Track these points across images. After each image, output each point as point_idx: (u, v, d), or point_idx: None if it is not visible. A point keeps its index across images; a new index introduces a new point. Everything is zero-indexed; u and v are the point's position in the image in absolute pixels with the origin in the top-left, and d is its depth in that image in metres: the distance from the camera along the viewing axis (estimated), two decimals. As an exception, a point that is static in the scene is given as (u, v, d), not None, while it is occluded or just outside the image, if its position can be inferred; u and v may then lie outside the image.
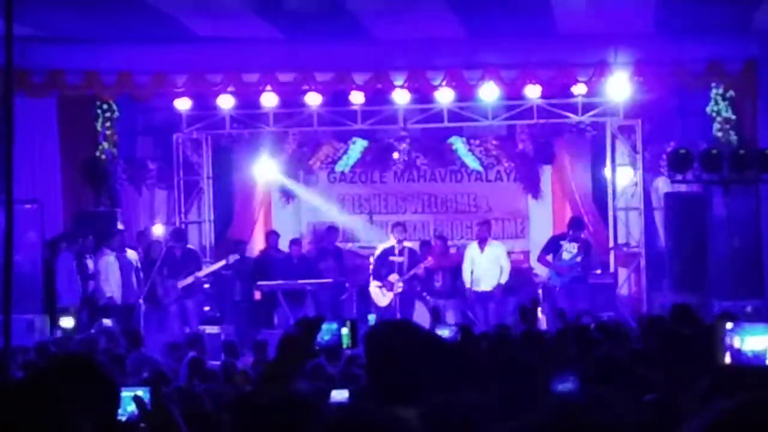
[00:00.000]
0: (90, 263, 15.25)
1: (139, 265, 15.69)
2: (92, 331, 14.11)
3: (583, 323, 10.00)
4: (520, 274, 16.63)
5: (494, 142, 17.60)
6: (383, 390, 3.53)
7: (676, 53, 15.50)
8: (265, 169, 17.62)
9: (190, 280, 15.74)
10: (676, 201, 15.96)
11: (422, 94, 16.51)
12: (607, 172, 17.07)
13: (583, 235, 16.09)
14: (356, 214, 17.95)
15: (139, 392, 3.82)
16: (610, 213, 17.05)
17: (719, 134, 16.22)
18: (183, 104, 16.84)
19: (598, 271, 16.34)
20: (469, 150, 17.54)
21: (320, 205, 17.85)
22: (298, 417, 3.24)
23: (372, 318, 14.66)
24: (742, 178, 14.91)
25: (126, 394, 3.74)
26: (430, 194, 17.95)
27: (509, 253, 16.55)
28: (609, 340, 7.34)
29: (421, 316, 15.69)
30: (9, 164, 5.26)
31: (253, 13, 13.86)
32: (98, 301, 15.16)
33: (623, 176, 17.10)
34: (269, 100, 16.35)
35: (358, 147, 17.61)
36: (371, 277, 16.23)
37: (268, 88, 16.20)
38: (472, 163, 17.59)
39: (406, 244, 16.31)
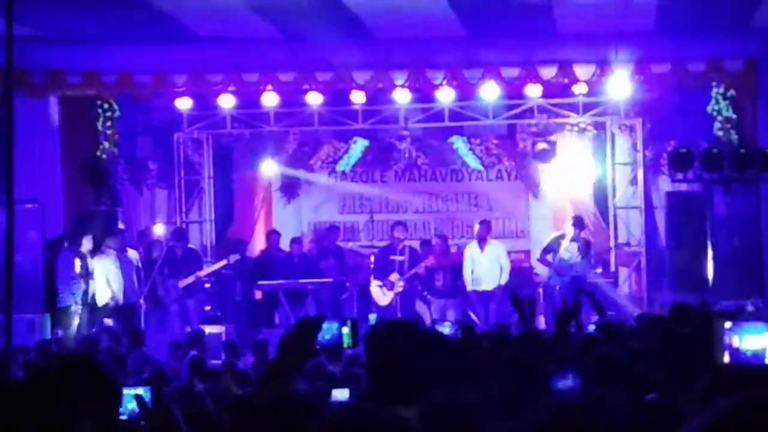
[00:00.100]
0: (90, 263, 15.25)
1: (139, 264, 15.69)
2: (93, 330, 14.14)
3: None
4: (520, 274, 16.63)
5: (495, 141, 17.61)
6: (384, 389, 3.54)
7: (676, 52, 15.50)
8: (266, 169, 17.63)
9: (190, 279, 15.74)
10: (676, 200, 15.96)
11: (423, 94, 16.51)
12: (608, 171, 17.08)
13: (583, 235, 16.09)
14: (357, 214, 17.95)
15: (140, 391, 3.83)
16: (611, 212, 17.06)
17: (720, 133, 16.23)
18: (184, 104, 16.85)
19: (599, 270, 16.34)
20: (470, 149, 17.54)
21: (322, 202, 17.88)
22: (299, 417, 3.24)
23: (373, 317, 14.66)
24: (743, 177, 14.91)
25: (127, 393, 3.75)
26: (431, 193, 17.95)
27: (509, 253, 16.55)
28: (609, 340, 7.33)
29: (421, 315, 15.71)
30: (9, 164, 5.26)
31: (253, 13, 13.85)
32: (99, 301, 15.16)
33: (624, 175, 17.10)
34: (270, 99, 16.35)
35: (359, 146, 17.61)
36: (372, 277, 16.24)
37: (269, 87, 16.20)
38: (473, 162, 17.59)
39: (407, 243, 16.33)
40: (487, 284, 15.85)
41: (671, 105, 16.92)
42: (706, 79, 15.81)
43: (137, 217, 17.76)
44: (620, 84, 15.68)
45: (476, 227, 16.48)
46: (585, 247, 15.88)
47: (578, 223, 16.14)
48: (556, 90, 16.26)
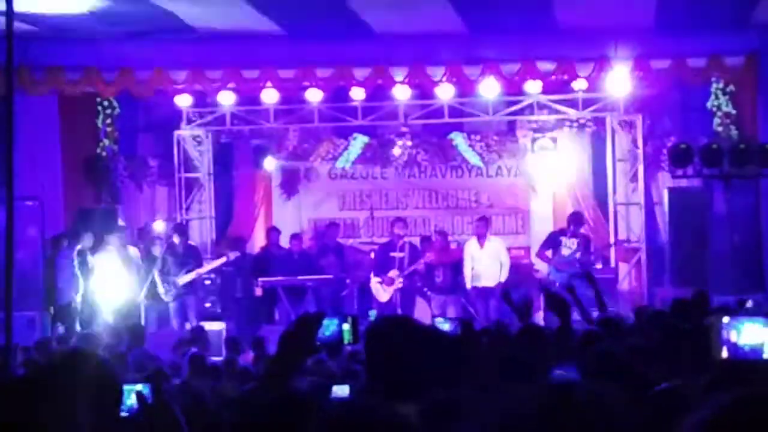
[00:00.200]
0: (91, 260, 15.25)
1: (140, 261, 15.69)
2: (93, 327, 14.13)
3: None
4: (521, 270, 16.63)
5: (495, 137, 17.61)
6: (383, 386, 3.54)
7: (676, 48, 15.50)
8: (266, 165, 17.63)
9: (191, 276, 15.74)
10: (676, 196, 15.96)
11: (423, 90, 16.51)
12: (608, 167, 17.08)
13: (582, 231, 16.09)
14: (357, 210, 17.96)
15: (139, 387, 3.84)
16: (611, 208, 17.06)
17: (720, 129, 16.23)
18: (183, 101, 16.85)
19: (599, 266, 16.35)
20: (470, 145, 17.54)
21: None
22: (299, 414, 3.25)
23: (373, 314, 14.68)
24: (743, 173, 14.92)
25: (128, 389, 3.75)
26: (431, 190, 17.96)
27: (509, 249, 16.56)
28: (609, 336, 7.34)
29: (422, 312, 15.72)
30: (10, 161, 5.27)
31: (253, 9, 13.85)
32: (99, 298, 15.16)
33: (623, 171, 17.10)
34: (270, 96, 16.36)
35: (358, 143, 17.61)
36: (372, 273, 16.25)
37: (269, 84, 16.21)
38: (473, 158, 17.59)
39: (407, 239, 16.33)
40: (488, 281, 15.85)
41: (671, 101, 16.92)
42: (705, 75, 15.81)
43: (137, 215, 17.77)
44: (620, 80, 15.68)
45: (474, 224, 16.51)
46: (584, 243, 15.88)
47: (577, 219, 16.14)
48: (556, 86, 16.27)
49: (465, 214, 17.74)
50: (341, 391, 6.28)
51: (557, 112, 16.80)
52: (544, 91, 16.22)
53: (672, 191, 16.09)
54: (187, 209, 17.78)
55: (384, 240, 16.93)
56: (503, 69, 15.79)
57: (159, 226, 17.06)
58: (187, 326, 14.65)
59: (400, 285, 15.98)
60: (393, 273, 15.97)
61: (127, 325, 13.35)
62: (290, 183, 18.04)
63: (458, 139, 17.50)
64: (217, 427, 4.59)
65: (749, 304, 13.45)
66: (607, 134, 17.06)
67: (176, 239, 15.89)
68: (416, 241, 16.67)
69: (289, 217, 17.97)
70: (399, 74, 15.98)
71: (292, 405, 3.33)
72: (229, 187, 18.32)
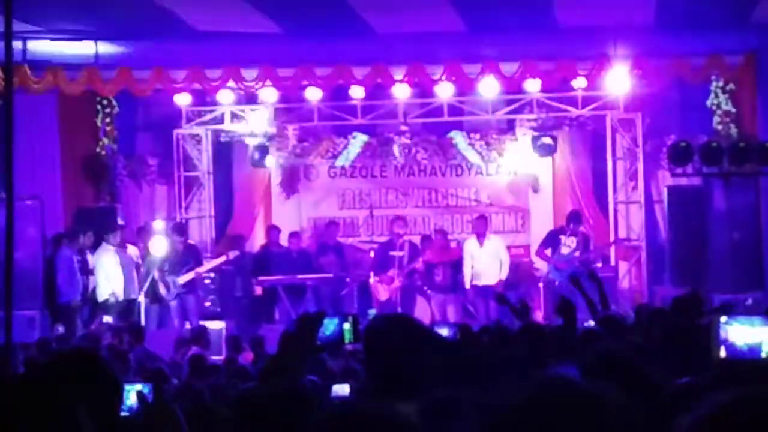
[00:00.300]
0: (90, 259, 15.26)
1: (139, 260, 15.69)
2: (93, 327, 14.14)
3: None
4: (520, 269, 16.63)
5: (494, 136, 17.59)
6: (382, 385, 3.54)
7: (676, 46, 15.50)
8: (265, 164, 17.62)
9: (190, 275, 15.74)
10: (676, 194, 15.97)
11: (422, 89, 16.51)
12: (608, 165, 17.08)
13: (582, 229, 16.09)
14: (357, 209, 17.95)
15: (139, 386, 3.84)
16: (611, 206, 17.06)
17: (719, 127, 16.24)
18: (183, 99, 16.85)
19: (599, 265, 16.34)
20: (470, 144, 17.51)
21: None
22: (299, 413, 3.25)
23: (372, 313, 14.68)
24: (742, 171, 14.92)
25: (128, 389, 3.75)
26: (431, 188, 17.94)
27: (509, 248, 16.56)
28: (610, 334, 7.34)
29: (422, 310, 15.72)
30: (9, 160, 5.26)
31: (252, 8, 13.85)
32: (99, 298, 15.16)
33: (623, 170, 17.10)
34: (269, 95, 16.35)
35: (358, 142, 17.59)
36: (372, 272, 16.24)
37: (268, 83, 16.20)
38: (473, 157, 17.57)
39: (407, 238, 16.33)
40: (487, 279, 15.85)
41: (671, 99, 16.91)
42: (705, 74, 15.81)
43: (137, 213, 17.76)
44: (620, 78, 15.67)
45: (473, 223, 16.52)
46: (584, 242, 15.88)
47: (576, 217, 16.14)
48: (556, 84, 16.26)
49: (465, 213, 17.72)
50: (341, 390, 6.29)
51: (557, 110, 16.79)
52: (544, 90, 16.21)
53: (672, 189, 16.09)
54: (187, 208, 17.77)
55: (384, 239, 16.93)
56: (503, 67, 15.78)
57: (158, 225, 17.06)
58: (187, 325, 14.65)
59: (399, 284, 15.98)
60: (393, 272, 15.97)
61: (127, 324, 13.36)
62: (290, 182, 18.02)
63: (458, 138, 17.48)
64: (218, 426, 4.59)
65: (749, 301, 13.47)
66: (607, 132, 17.05)
67: (175, 238, 15.89)
68: (416, 239, 16.67)
69: (289, 216, 17.95)
70: (398, 73, 15.98)
71: (293, 403, 3.33)
72: (228, 185, 18.31)
